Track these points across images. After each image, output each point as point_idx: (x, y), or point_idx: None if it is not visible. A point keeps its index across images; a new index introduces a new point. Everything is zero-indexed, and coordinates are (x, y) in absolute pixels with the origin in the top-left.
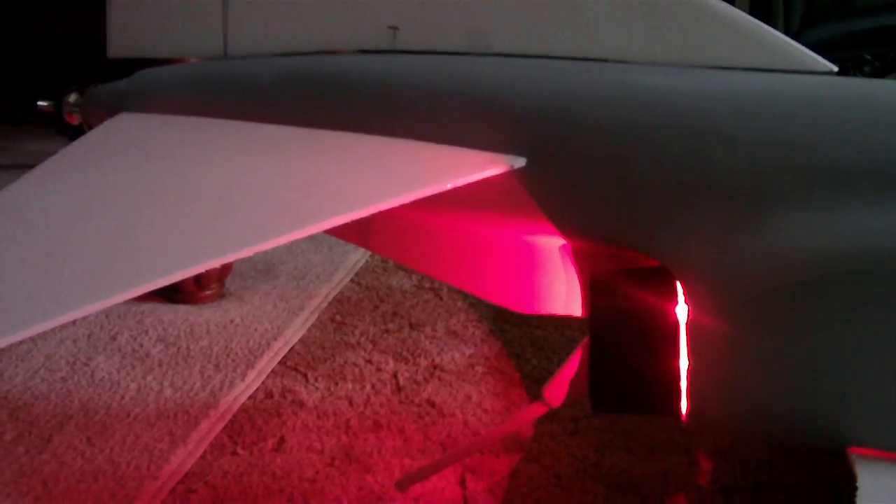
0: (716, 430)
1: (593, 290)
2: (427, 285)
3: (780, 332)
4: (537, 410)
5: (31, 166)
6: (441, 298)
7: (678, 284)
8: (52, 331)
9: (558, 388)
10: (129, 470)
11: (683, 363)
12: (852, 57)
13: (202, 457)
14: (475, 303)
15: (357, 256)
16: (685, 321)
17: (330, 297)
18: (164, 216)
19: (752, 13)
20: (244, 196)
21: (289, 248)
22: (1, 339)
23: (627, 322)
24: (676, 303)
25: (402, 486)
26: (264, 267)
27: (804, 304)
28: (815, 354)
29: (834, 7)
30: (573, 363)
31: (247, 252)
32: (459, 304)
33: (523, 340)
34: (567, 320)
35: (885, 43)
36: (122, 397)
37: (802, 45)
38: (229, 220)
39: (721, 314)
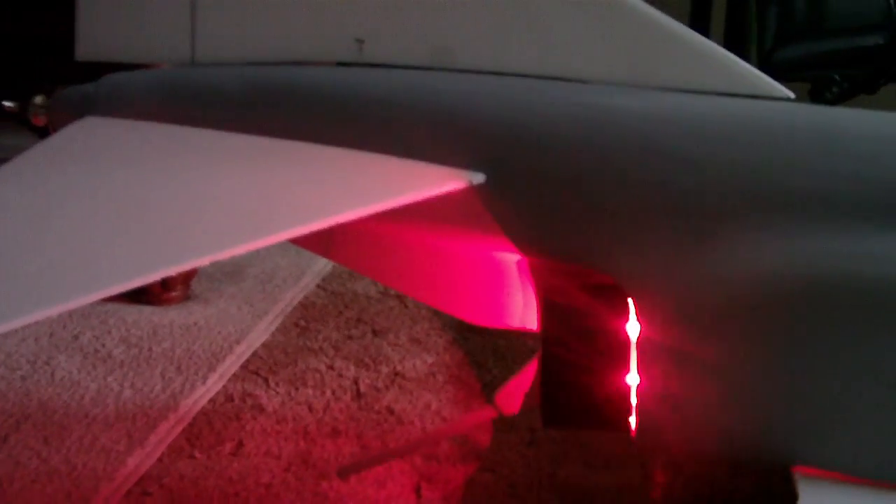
0: (665, 447)
1: (545, 305)
2: (392, 293)
3: (729, 352)
4: (487, 414)
5: (2, 161)
6: (406, 306)
7: (630, 301)
8: (14, 329)
9: (510, 395)
10: (85, 471)
11: (633, 380)
12: (822, 77)
13: (159, 459)
14: (439, 312)
15: (324, 262)
16: (636, 338)
17: (295, 302)
18: (126, 221)
19: (727, 31)
20: (206, 204)
21: (257, 251)
22: None
23: (578, 338)
24: (628, 320)
25: (343, 473)
26: (231, 269)
27: (754, 325)
28: (763, 374)
29: (807, 27)
30: (528, 372)
31: (205, 260)
32: (423, 312)
33: (485, 350)
34: (530, 332)
35: (856, 64)
36: (82, 397)
37: (775, 63)
38: (190, 227)
39: (672, 332)
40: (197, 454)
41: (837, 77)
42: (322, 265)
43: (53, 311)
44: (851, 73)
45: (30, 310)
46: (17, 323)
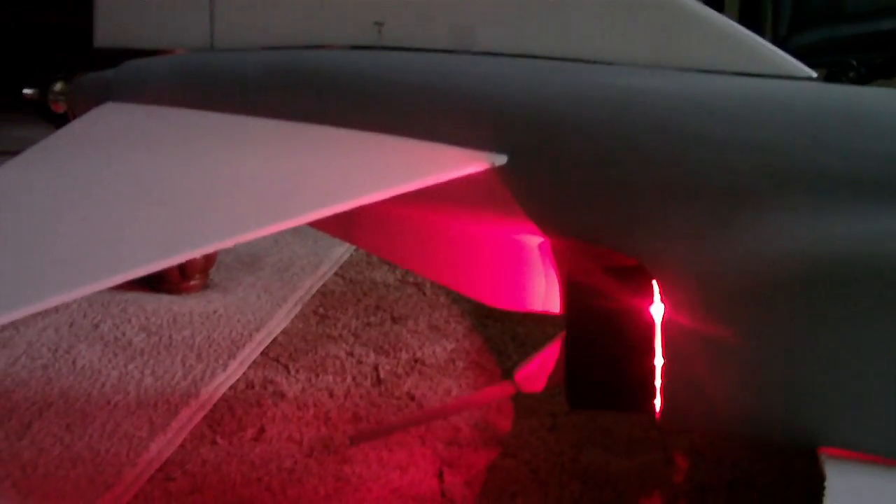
0: (689, 428)
1: (570, 287)
2: (410, 280)
3: (754, 332)
4: (505, 390)
5: (17, 154)
6: (424, 293)
7: (654, 283)
8: (35, 318)
9: (531, 374)
10: (108, 457)
11: (658, 361)
12: (839, 62)
13: (181, 445)
14: (458, 298)
15: (342, 250)
16: (660, 320)
17: (314, 290)
18: (148, 206)
19: (741, 17)
20: (227, 187)
21: (274, 240)
22: None
23: (603, 320)
24: (652, 301)
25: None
26: (249, 259)
27: (778, 305)
28: (789, 355)
29: (822, 12)
30: (550, 351)
31: (228, 243)
32: (442, 299)
33: (505, 336)
34: (549, 317)
35: (873, 48)
36: (103, 385)
37: (790, 49)
38: (212, 210)
39: (696, 313)
40: (219, 440)
41: (854, 62)
42: (340, 253)
43: (76, 293)
44: (868, 58)
45: (53, 292)
46: (41, 305)
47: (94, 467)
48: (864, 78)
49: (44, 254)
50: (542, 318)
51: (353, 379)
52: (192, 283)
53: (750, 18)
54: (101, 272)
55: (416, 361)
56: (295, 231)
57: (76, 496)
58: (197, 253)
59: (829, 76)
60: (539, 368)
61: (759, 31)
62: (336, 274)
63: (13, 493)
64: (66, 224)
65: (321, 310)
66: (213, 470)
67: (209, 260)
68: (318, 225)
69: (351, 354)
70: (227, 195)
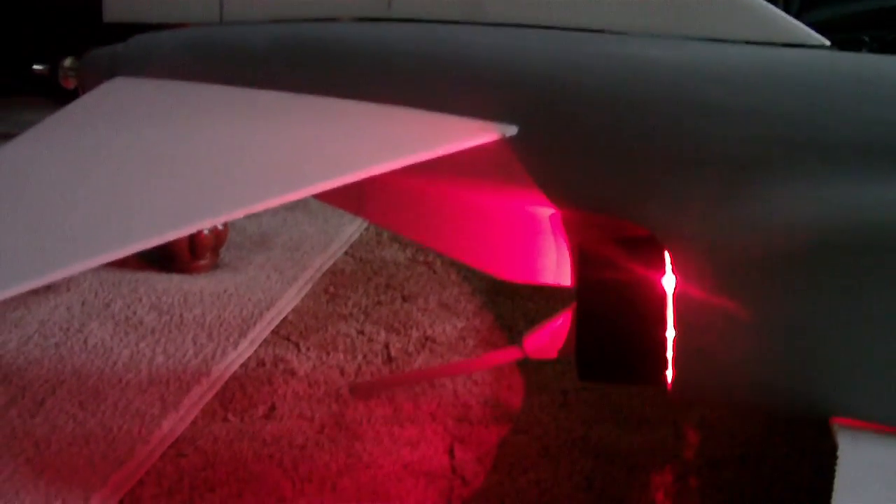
0: (701, 399)
1: (581, 259)
2: (421, 259)
3: (767, 303)
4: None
5: None
6: (434, 272)
7: (666, 254)
8: (46, 297)
9: (539, 340)
10: (121, 434)
11: (670, 333)
12: (850, 38)
13: (193, 422)
14: (468, 276)
15: (352, 229)
16: (672, 291)
17: (324, 269)
18: (157, 178)
19: None
20: (237, 159)
21: (284, 219)
22: None
23: (614, 292)
24: (664, 273)
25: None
26: (259, 238)
27: (790, 274)
28: (801, 325)
29: None
30: (558, 319)
31: (238, 214)
32: (452, 277)
33: (515, 313)
34: (560, 294)
35: (884, 25)
36: (115, 363)
37: None
38: (222, 182)
39: (708, 284)
40: (230, 417)
41: (867, 38)
42: (349, 233)
43: (87, 264)
44: (881, 35)
45: (64, 263)
46: (54, 276)
47: (106, 444)
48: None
49: (55, 226)
50: (553, 295)
51: (364, 357)
52: (203, 262)
53: None
54: (112, 243)
55: (426, 339)
56: (305, 210)
57: (89, 472)
58: (206, 224)
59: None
60: (548, 336)
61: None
62: (346, 253)
63: (27, 469)
64: (77, 197)
65: (331, 288)
66: (224, 447)
67: (219, 239)
68: (328, 198)
69: (361, 332)
70: (236, 167)
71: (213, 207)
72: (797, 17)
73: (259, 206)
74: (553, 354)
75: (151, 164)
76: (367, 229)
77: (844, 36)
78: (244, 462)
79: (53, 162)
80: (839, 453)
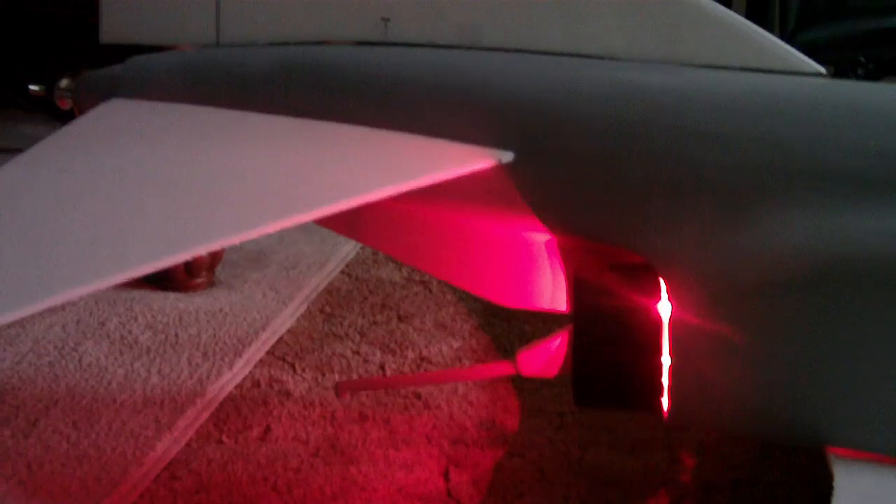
0: (697, 426)
1: (577, 285)
2: (417, 278)
3: (761, 330)
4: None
5: (24, 150)
6: (430, 291)
7: (662, 281)
8: (41, 316)
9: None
10: (115, 455)
11: (665, 360)
12: (847, 59)
13: (187, 444)
14: (464, 296)
15: (348, 248)
16: (668, 318)
17: (320, 288)
18: (154, 202)
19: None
20: (233, 184)
21: (280, 237)
22: None
23: (610, 318)
24: (659, 300)
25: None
26: (255, 256)
27: (785, 302)
28: (796, 353)
29: (830, 8)
30: (553, 339)
31: (234, 240)
32: (448, 297)
33: (511, 335)
34: (556, 316)
35: (881, 45)
36: (109, 383)
37: (797, 45)
38: (218, 207)
39: (703, 311)
40: (225, 439)
41: (862, 59)
42: (346, 252)
43: (83, 291)
44: (877, 55)
45: (60, 290)
46: (48, 303)
47: (100, 466)
48: (873, 75)
49: (51, 251)
50: (549, 317)
51: (360, 378)
52: (199, 281)
53: (757, 14)
54: (107, 269)
55: (422, 360)
56: (301, 229)
57: (82, 495)
58: (203, 250)
59: (838, 73)
60: (541, 354)
61: (766, 27)
62: (342, 272)
63: (19, 492)
64: (73, 221)
65: (327, 308)
66: (218, 469)
67: (215, 258)
68: (325, 222)
69: (357, 353)
70: (233, 192)
71: (209, 234)
72: (794, 35)
73: (255, 233)
74: (546, 374)
75: (148, 187)
76: (363, 248)
77: (841, 56)
78: (238, 485)
79: (49, 185)
80: (835, 483)
